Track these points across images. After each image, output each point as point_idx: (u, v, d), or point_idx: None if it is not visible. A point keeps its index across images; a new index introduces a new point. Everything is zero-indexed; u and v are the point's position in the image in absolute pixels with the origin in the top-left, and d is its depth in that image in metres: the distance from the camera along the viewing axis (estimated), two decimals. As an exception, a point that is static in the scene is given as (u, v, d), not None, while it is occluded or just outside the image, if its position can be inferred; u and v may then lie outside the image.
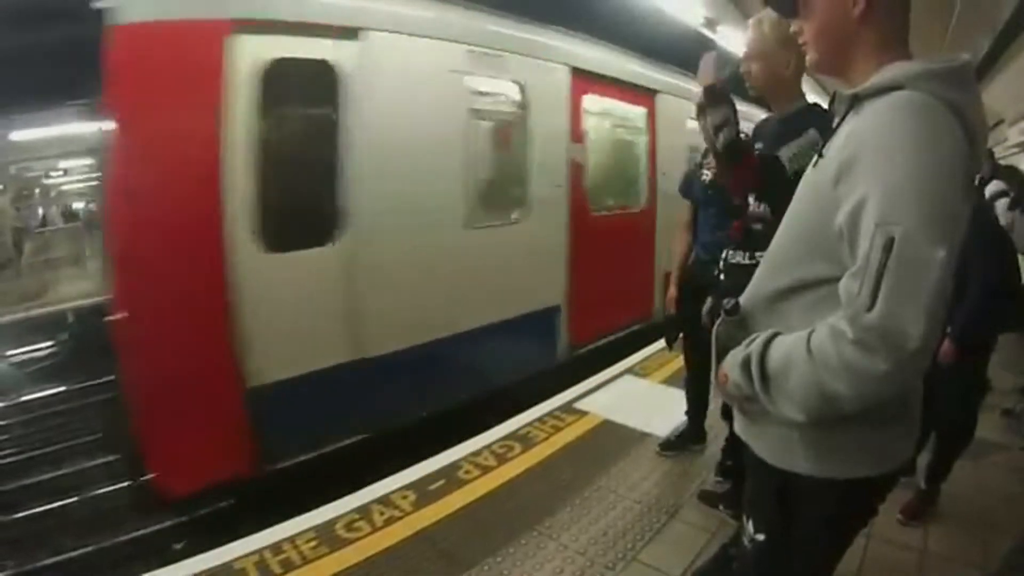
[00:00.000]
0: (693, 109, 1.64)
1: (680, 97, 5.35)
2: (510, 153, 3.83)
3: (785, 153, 1.57)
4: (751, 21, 1.70)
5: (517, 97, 3.79)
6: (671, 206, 4.13)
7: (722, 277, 1.87)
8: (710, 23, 5.43)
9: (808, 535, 1.01)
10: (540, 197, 4.00)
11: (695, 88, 1.62)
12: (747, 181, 1.67)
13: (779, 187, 1.34)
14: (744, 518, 1.11)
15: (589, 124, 4.49)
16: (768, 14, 1.60)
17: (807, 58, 1.03)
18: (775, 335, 0.94)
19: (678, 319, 2.69)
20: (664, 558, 2.04)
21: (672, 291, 2.75)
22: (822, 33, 0.98)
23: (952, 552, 2.12)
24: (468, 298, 3.56)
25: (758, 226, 1.66)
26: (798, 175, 1.06)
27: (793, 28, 1.03)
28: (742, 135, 1.63)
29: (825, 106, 1.22)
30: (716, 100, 1.56)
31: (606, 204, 4.90)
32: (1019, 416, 3.28)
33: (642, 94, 5.10)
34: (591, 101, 4.47)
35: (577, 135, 4.32)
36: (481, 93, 3.53)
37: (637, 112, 5.14)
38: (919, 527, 2.24)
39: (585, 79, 4.31)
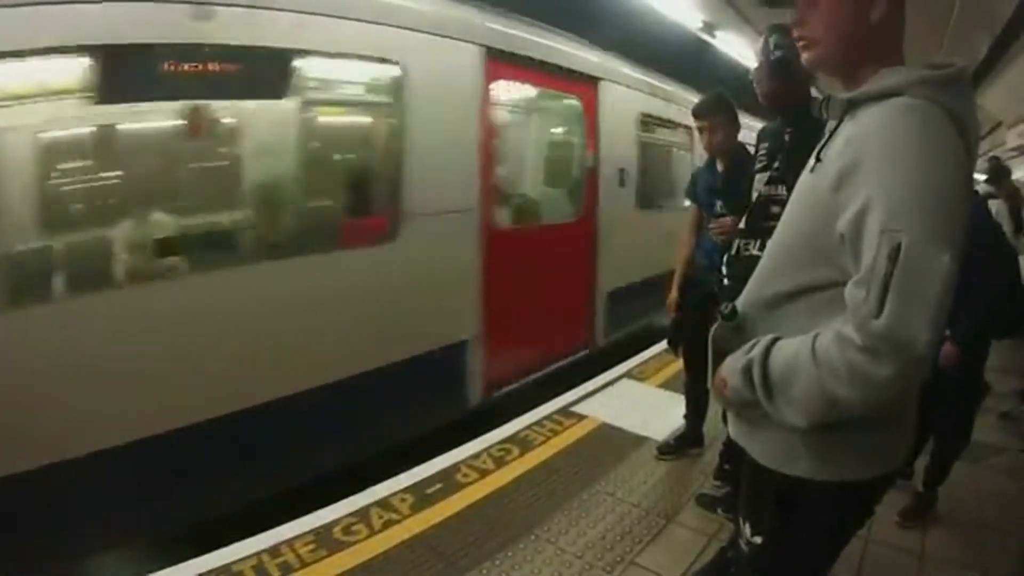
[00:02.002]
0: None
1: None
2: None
3: None
4: None
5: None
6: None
7: (725, 271, 1.85)
8: (708, 27, 5.43)
9: (806, 537, 1.01)
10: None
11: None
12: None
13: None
14: (741, 521, 1.11)
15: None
16: None
17: (805, 55, 0.98)
18: (775, 340, 0.94)
19: (680, 322, 2.69)
20: (662, 562, 2.04)
21: (673, 294, 2.75)
22: (836, 33, 0.93)
23: (950, 554, 2.12)
24: None
25: (776, 209, 1.64)
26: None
27: (788, 18, 0.99)
28: None
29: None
30: None
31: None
32: (1016, 419, 3.29)
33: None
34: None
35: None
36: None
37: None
38: (917, 529, 2.24)
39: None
